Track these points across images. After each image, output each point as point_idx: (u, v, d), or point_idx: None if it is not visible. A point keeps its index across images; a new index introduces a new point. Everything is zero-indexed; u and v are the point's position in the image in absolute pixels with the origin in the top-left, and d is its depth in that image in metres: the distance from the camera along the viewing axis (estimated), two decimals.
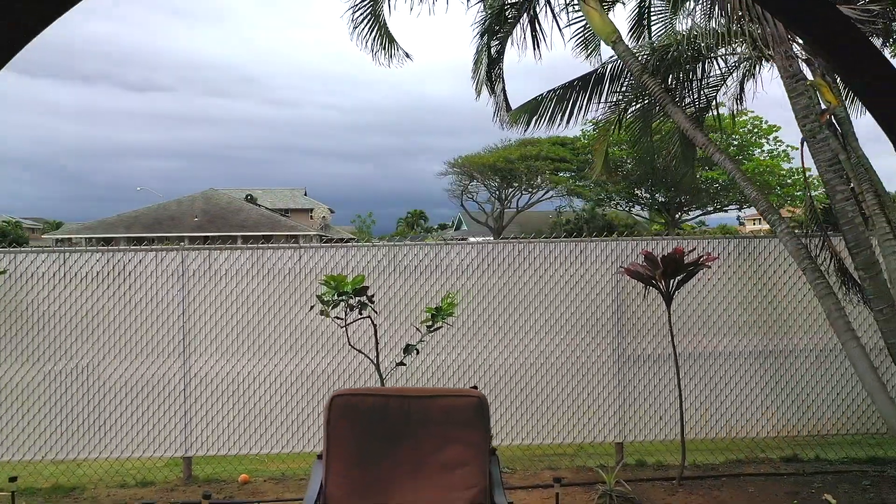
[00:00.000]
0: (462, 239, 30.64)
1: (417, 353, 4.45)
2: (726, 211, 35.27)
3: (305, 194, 52.53)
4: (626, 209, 35.51)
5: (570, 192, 38.40)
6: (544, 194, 42.03)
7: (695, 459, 5.10)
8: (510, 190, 41.64)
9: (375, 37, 5.73)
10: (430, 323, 4.34)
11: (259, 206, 41.99)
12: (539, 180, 40.15)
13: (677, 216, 32.69)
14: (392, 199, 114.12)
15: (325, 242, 7.69)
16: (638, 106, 5.61)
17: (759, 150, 29.61)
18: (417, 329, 4.48)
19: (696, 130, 5.04)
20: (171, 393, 5.00)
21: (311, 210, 48.73)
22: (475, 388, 2.79)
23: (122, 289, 5.00)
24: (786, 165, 27.40)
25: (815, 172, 4.40)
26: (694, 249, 4.57)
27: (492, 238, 33.01)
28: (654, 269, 4.45)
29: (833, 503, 4.04)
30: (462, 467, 2.49)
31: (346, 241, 11.34)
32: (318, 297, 4.34)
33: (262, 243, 5.35)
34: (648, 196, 32.09)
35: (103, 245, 6.61)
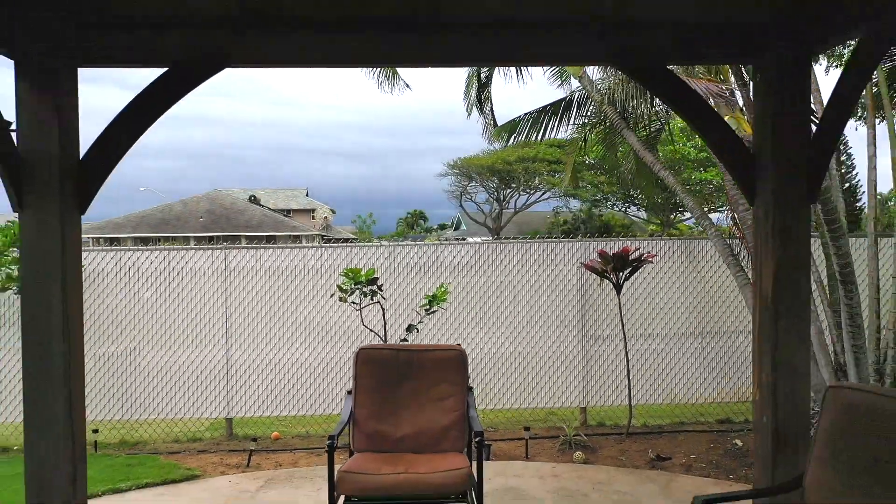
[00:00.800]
0: (462, 239, 31.72)
1: (417, 331, 5.61)
2: (721, 211, 36.45)
3: (307, 195, 53.65)
4: (623, 210, 36.63)
5: (566, 193, 39.45)
6: (542, 195, 43.00)
7: (646, 422, 6.26)
8: (508, 191, 42.57)
9: (380, 71, 6.87)
10: (427, 307, 5.52)
11: (262, 206, 43.12)
12: (536, 181, 41.09)
13: (672, 216, 33.79)
14: (392, 199, 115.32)
15: (336, 242, 8.85)
16: (600, 129, 6.76)
17: None
18: (417, 312, 5.65)
19: (646, 151, 6.20)
20: (215, 366, 6.17)
21: (314, 210, 49.84)
22: (458, 345, 3.93)
23: (175, 284, 6.17)
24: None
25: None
26: (638, 249, 5.72)
27: (490, 238, 34.18)
28: (605, 264, 5.61)
29: (739, 444, 5.20)
30: (448, 398, 3.64)
31: (361, 243, 12.51)
32: (338, 286, 5.51)
33: (273, 242, 6.51)
34: (644, 197, 33.19)
35: (112, 244, 7.70)
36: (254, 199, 44.35)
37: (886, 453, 2.28)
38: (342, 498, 3.13)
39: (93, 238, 36.66)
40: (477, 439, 3.20)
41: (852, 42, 4.17)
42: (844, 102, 3.07)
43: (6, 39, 3.01)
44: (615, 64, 3.61)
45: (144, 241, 33.17)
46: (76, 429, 3.18)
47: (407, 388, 3.66)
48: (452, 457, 3.40)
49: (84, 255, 6.09)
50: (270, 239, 33.96)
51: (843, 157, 6.80)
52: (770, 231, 3.26)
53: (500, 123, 7.72)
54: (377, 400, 3.64)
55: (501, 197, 42.48)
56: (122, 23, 3.24)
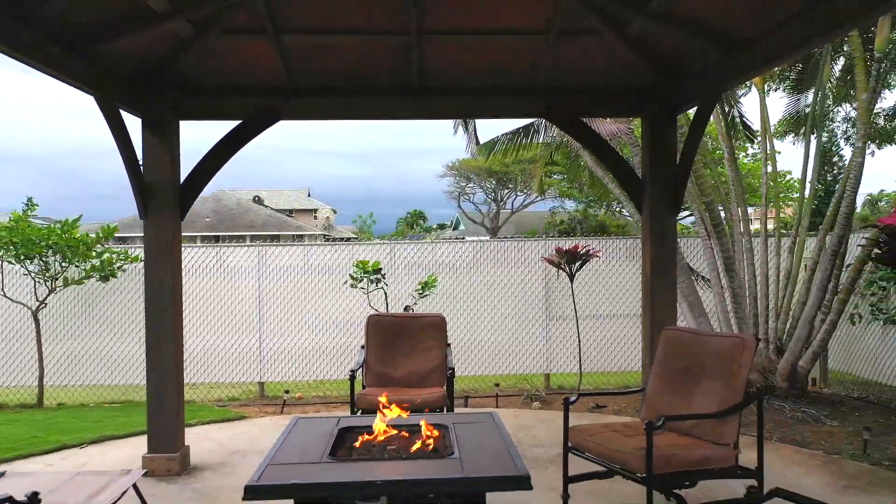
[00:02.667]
0: (461, 238, 33.28)
1: (412, 311, 7.19)
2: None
3: (309, 195, 55.24)
4: (618, 210, 38.13)
5: (562, 193, 40.90)
6: (538, 196, 44.42)
7: (597, 386, 7.83)
8: (506, 191, 43.96)
9: None
10: (421, 291, 7.11)
11: (266, 207, 44.73)
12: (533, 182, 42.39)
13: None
14: (393, 199, 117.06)
15: (343, 242, 10.43)
16: (563, 148, 8.36)
17: (744, 154, 32.31)
18: (412, 296, 7.25)
19: (597, 167, 7.78)
20: (248, 341, 7.77)
21: (316, 210, 51.38)
22: (440, 314, 5.52)
23: (224, 278, 7.75)
24: (769, 168, 30.05)
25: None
26: (587, 246, 7.29)
27: (487, 237, 35.72)
28: (561, 258, 7.19)
29: None
30: (432, 350, 5.22)
31: (370, 241, 14.04)
32: (350, 276, 7.11)
33: (277, 242, 8.12)
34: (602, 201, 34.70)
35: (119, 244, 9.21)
36: (258, 200, 45.97)
37: (689, 365, 3.86)
38: (360, 412, 4.71)
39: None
40: (449, 372, 4.80)
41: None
42: (692, 146, 4.65)
43: (137, 105, 4.60)
44: (546, 117, 5.20)
45: (120, 239, 34.66)
46: (178, 372, 4.79)
47: (403, 343, 5.25)
48: (435, 388, 4.99)
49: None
50: (274, 238, 35.53)
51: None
52: (649, 234, 4.85)
53: (482, 141, 9.32)
54: (382, 351, 5.23)
55: (499, 198, 43.96)
56: (214, 91, 4.84)
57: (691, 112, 5.29)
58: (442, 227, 62.28)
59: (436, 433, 3.11)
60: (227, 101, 4.84)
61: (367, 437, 3.13)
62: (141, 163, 4.64)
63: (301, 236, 38.13)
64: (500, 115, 5.82)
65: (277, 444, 3.06)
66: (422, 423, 3.13)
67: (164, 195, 4.69)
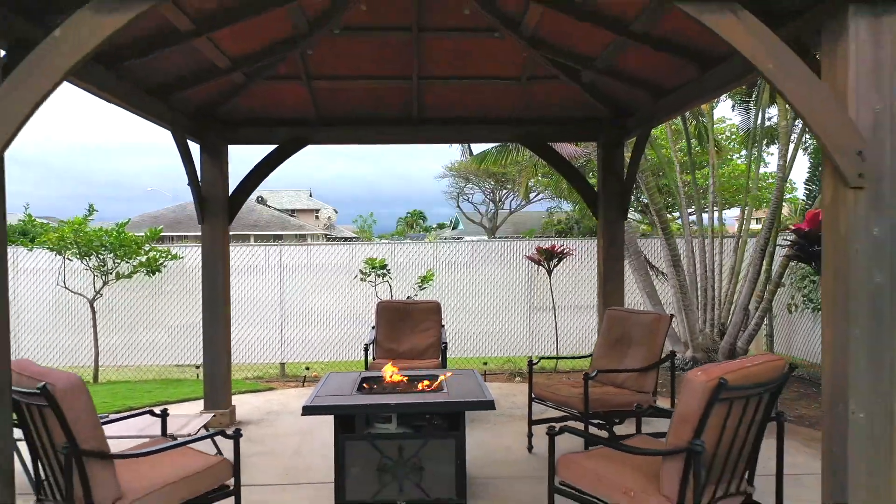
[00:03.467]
0: (457, 238, 34.44)
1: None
2: (706, 211, 39.36)
3: (310, 195, 56.48)
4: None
5: (559, 194, 42.00)
6: (535, 196, 45.57)
7: (574, 366, 9.10)
8: (504, 192, 45.07)
9: None
10: (420, 284, 8.39)
11: (269, 206, 46.01)
12: (531, 183, 43.53)
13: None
14: (393, 199, 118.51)
15: (347, 242, 11.69)
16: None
17: (737, 155, 33.56)
18: (414, 287, 8.52)
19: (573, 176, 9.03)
20: (270, 329, 9.04)
21: (317, 210, 52.57)
22: (437, 300, 6.78)
23: (251, 273, 9.02)
24: (762, 169, 31.24)
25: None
26: (563, 246, 8.56)
27: (486, 237, 36.95)
28: (540, 256, 8.47)
29: None
30: (430, 329, 6.48)
31: (377, 241, 15.27)
32: (360, 270, 8.38)
33: (281, 241, 9.40)
34: (634, 199, 35.95)
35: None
36: (261, 200, 47.25)
37: (622, 334, 5.13)
38: None
39: None
40: (443, 346, 6.07)
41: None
42: (634, 167, 5.92)
43: (197, 135, 5.87)
44: (521, 142, 6.48)
45: (160, 239, 35.85)
46: (227, 346, 6.05)
47: (406, 324, 6.52)
48: (432, 359, 6.25)
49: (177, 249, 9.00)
50: (277, 238, 36.75)
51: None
52: (603, 237, 6.13)
53: (475, 152, 10.61)
54: (388, 330, 6.50)
55: (497, 198, 45.13)
56: (255, 122, 6.11)
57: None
58: (441, 226, 63.54)
59: (431, 380, 4.39)
60: (267, 131, 6.11)
61: (381, 381, 4.41)
62: (200, 181, 5.91)
63: (304, 236, 39.33)
64: (485, 141, 7.13)
65: (319, 387, 4.33)
66: (430, 384, 4.41)
67: (217, 205, 5.97)
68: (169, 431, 4.02)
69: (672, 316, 5.09)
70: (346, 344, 9.06)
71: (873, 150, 2.69)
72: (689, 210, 8.76)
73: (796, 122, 7.51)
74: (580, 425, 4.65)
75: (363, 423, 4.03)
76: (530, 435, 5.14)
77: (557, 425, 3.46)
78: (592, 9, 4.22)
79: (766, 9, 2.84)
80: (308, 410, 3.84)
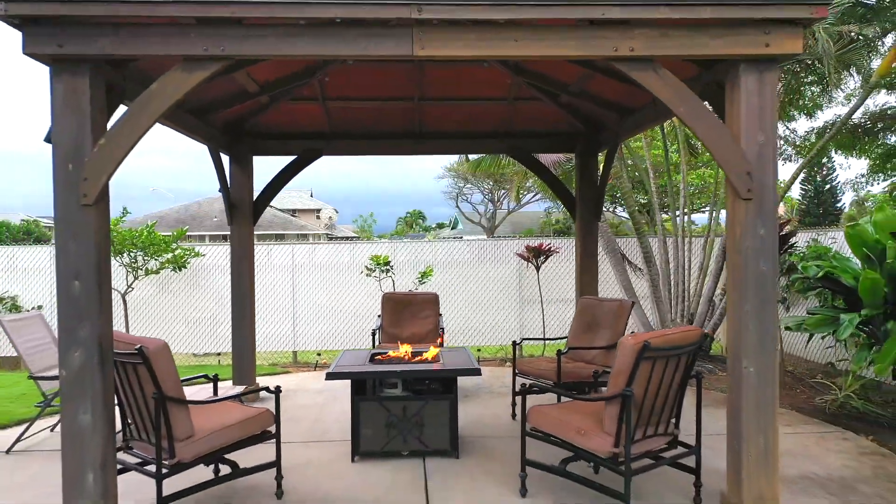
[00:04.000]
0: (456, 237, 35.34)
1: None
2: (703, 212, 40.38)
3: (311, 195, 57.39)
4: (611, 210, 40.24)
5: (552, 197, 42.88)
6: (534, 196, 46.40)
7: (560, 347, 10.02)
8: (502, 192, 45.90)
9: None
10: (420, 279, 9.33)
11: (271, 206, 46.97)
12: (529, 183, 44.40)
13: (644, 218, 37.53)
14: (392, 198, 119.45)
15: (353, 241, 12.63)
16: None
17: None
18: (415, 282, 9.45)
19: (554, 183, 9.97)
20: (283, 320, 9.97)
21: (318, 211, 53.44)
22: (435, 292, 7.71)
23: (268, 270, 9.95)
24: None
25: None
26: (550, 244, 9.49)
27: (484, 236, 37.86)
28: (529, 253, 9.40)
29: None
30: (429, 318, 7.41)
31: (382, 240, 16.18)
32: (366, 266, 9.32)
33: (283, 241, 10.33)
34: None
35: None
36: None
37: (592, 318, 6.07)
38: None
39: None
40: (440, 331, 7.00)
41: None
42: (605, 175, 6.85)
43: (227, 147, 6.81)
44: (509, 153, 7.42)
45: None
46: (252, 331, 6.99)
47: (407, 312, 7.45)
48: (431, 345, 7.18)
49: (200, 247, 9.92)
50: (280, 238, 37.63)
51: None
52: (580, 236, 7.06)
53: (471, 158, 11.55)
54: (393, 318, 7.43)
55: (496, 198, 45.99)
56: (277, 136, 7.04)
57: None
58: (441, 226, 64.47)
59: (429, 354, 5.33)
60: (287, 143, 7.04)
61: (388, 355, 5.35)
62: (229, 186, 6.85)
63: (306, 236, 40.20)
64: (477, 153, 8.07)
65: (337, 360, 5.27)
66: (428, 355, 5.35)
67: (244, 208, 6.90)
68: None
69: (633, 303, 6.02)
70: (352, 335, 10.00)
71: (758, 172, 3.62)
72: (677, 211, 9.65)
73: None
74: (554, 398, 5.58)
75: (374, 388, 4.97)
76: (514, 404, 6.07)
77: (528, 382, 4.40)
78: None
79: (692, 63, 3.77)
80: (331, 376, 4.79)
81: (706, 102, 4.07)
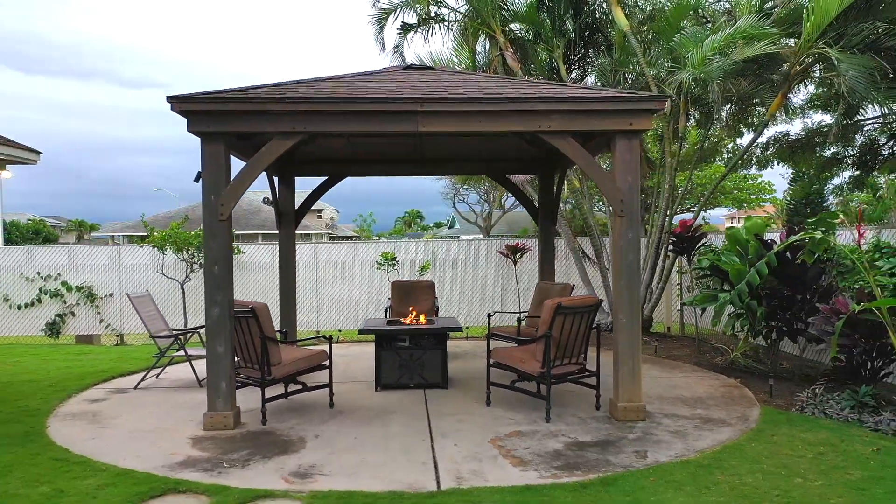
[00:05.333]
0: (452, 237, 37.46)
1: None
2: (691, 211, 42.77)
3: None
4: (604, 210, 42.56)
5: None
6: (499, 209, 48.26)
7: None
8: (497, 192, 48.05)
9: None
10: (420, 271, 11.77)
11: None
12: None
13: (646, 217, 39.98)
14: (391, 198, 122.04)
15: (363, 241, 15.03)
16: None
17: (720, 158, 36.89)
18: (415, 274, 11.89)
19: (524, 186, 12.40)
20: (309, 305, 12.38)
21: (321, 211, 55.74)
22: (432, 280, 10.10)
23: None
24: (742, 171, 34.52)
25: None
26: (525, 243, 11.90)
27: (480, 236, 40.17)
28: (508, 250, 11.83)
29: None
30: (428, 299, 9.80)
31: (388, 239, 18.64)
32: (377, 261, 11.76)
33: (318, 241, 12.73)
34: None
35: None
36: (267, 201, 50.32)
37: (545, 297, 8.47)
38: None
39: (124, 235, 42.85)
40: (436, 309, 9.42)
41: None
42: (559, 191, 9.26)
43: (278, 172, 9.22)
44: (487, 174, 9.82)
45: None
46: (294, 313, 9.38)
47: (411, 295, 9.85)
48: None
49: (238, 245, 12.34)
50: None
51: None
52: (541, 237, 9.49)
53: None
54: (399, 300, 9.83)
55: (491, 198, 48.31)
56: (314, 162, 9.45)
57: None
58: (438, 225, 66.92)
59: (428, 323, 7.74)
60: (320, 167, 9.44)
61: (399, 321, 7.77)
62: (272, 200, 9.24)
63: (309, 235, 42.48)
64: (464, 174, 10.47)
65: (364, 323, 7.68)
66: (422, 318, 7.77)
67: (288, 216, 9.30)
68: None
69: (573, 286, 8.42)
70: (364, 317, 12.40)
71: (627, 200, 6.02)
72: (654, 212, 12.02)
73: (672, 159, 10.82)
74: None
75: (390, 341, 7.38)
76: (488, 361, 8.47)
77: (491, 335, 6.83)
78: None
79: (585, 137, 6.18)
80: (363, 332, 7.23)
81: (602, 153, 6.48)
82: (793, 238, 6.64)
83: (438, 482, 4.57)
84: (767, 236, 8.27)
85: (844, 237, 8.38)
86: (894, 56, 9.01)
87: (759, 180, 34.59)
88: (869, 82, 8.19)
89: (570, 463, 4.92)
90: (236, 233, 43.15)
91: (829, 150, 15.78)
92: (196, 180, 6.05)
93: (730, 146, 18.64)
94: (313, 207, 9.96)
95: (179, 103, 5.72)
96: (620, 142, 6.02)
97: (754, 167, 17.54)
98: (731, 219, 64.71)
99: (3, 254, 12.39)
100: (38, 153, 8.26)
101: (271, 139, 5.97)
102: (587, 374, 6.53)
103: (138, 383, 7.72)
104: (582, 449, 5.26)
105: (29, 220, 53.68)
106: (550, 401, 6.17)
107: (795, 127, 17.74)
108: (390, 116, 5.91)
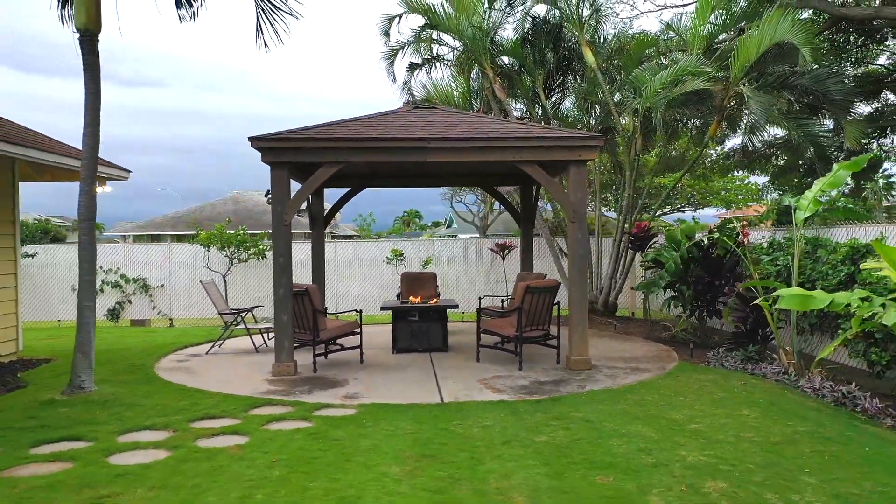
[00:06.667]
0: (450, 236, 39.75)
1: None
2: (683, 211, 45.24)
3: None
4: (598, 210, 44.88)
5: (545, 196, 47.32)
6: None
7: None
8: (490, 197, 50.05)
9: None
10: (423, 265, 14.19)
11: None
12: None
13: (639, 216, 42.38)
14: (390, 197, 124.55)
15: (367, 240, 17.45)
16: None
17: (708, 160, 39.35)
18: (421, 266, 14.31)
19: (511, 195, 14.82)
20: (329, 293, 14.79)
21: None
22: (434, 272, 12.49)
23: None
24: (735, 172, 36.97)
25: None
26: (510, 242, 14.30)
27: (477, 235, 42.52)
28: (497, 248, 14.24)
29: None
30: (431, 287, 12.20)
31: (391, 238, 21.03)
32: (387, 257, 14.19)
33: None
34: (614, 200, 41.72)
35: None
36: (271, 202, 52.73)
37: (537, 300, 10.89)
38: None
39: (134, 235, 45.14)
40: (437, 295, 11.83)
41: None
42: (536, 200, 11.66)
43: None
44: (479, 186, 12.21)
45: (181, 238, 41.33)
46: (323, 299, 11.79)
47: (417, 284, 12.24)
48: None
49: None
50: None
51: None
52: (523, 236, 11.92)
53: None
54: (407, 287, 12.21)
55: (488, 198, 50.52)
56: (340, 177, 11.85)
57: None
58: (437, 224, 69.20)
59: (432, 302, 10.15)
60: (344, 180, 11.82)
61: (410, 302, 10.17)
62: (305, 208, 11.63)
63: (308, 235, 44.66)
64: (460, 185, 12.90)
65: (384, 303, 10.08)
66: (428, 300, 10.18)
67: (319, 220, 11.69)
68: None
69: (546, 275, 10.80)
70: (375, 305, 14.79)
71: (579, 209, 8.41)
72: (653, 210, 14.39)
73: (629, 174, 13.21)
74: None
75: (404, 316, 9.78)
76: (478, 329, 10.88)
77: (482, 311, 9.26)
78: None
79: (548, 164, 8.60)
80: (383, 308, 9.63)
81: (563, 175, 8.88)
82: (699, 237, 9.07)
83: (442, 399, 6.98)
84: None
85: (780, 235, 10.79)
86: (800, 91, 11.43)
87: (747, 181, 36.99)
88: (767, 113, 10.59)
89: (532, 391, 7.33)
90: (248, 232, 45.84)
91: (782, 160, 18.28)
92: (266, 195, 8.43)
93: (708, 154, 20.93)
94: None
95: (257, 142, 8.10)
96: (573, 168, 8.42)
97: (740, 172, 19.94)
98: (722, 218, 67.41)
99: (70, 252, 14.74)
100: (129, 171, 10.57)
101: (320, 167, 8.35)
102: (552, 337, 8.93)
103: (209, 350, 10.11)
104: (542, 385, 7.67)
105: (35, 219, 55.74)
106: (522, 356, 8.59)
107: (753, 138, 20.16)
108: (406, 151, 8.31)
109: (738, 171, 20.57)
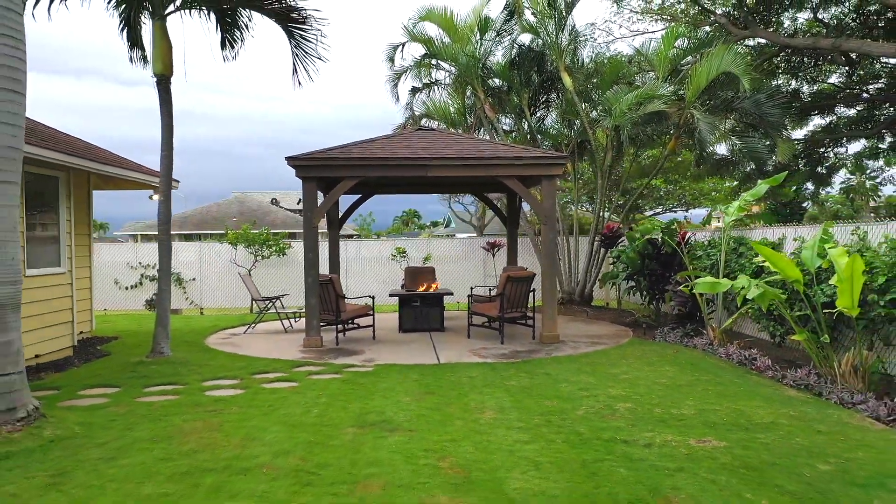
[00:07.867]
0: (451, 235, 41.88)
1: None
2: (675, 211, 47.44)
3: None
4: (588, 210, 47.01)
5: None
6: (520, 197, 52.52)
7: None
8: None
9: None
10: (424, 261, 16.35)
11: (282, 207, 53.75)
12: None
13: (632, 215, 44.53)
14: (390, 197, 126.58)
15: (387, 239, 19.59)
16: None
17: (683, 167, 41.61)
18: (421, 262, 16.46)
19: (494, 207, 16.97)
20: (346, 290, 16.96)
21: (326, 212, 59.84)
22: (433, 266, 14.62)
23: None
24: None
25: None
26: (500, 240, 16.44)
27: (474, 234, 44.55)
28: (488, 246, 16.39)
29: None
30: (432, 281, 14.34)
31: (392, 237, 23.17)
32: (391, 254, 16.35)
33: (294, 238, 17.27)
34: (608, 200, 43.83)
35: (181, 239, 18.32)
36: (275, 202, 54.82)
37: (516, 288, 13.04)
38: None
39: (141, 234, 47.23)
40: (439, 283, 13.98)
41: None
42: (520, 205, 13.81)
43: (327, 191, 13.79)
44: (471, 193, 14.35)
45: (188, 237, 43.41)
46: (340, 288, 13.94)
47: (419, 277, 14.37)
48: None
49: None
50: (291, 236, 44.26)
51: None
52: (508, 235, 14.08)
53: None
54: (410, 280, 14.33)
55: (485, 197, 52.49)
56: (353, 187, 14.02)
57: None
58: (435, 224, 71.34)
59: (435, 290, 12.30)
60: (357, 189, 13.93)
61: (413, 290, 12.33)
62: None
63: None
64: (457, 192, 15.05)
65: (391, 291, 12.23)
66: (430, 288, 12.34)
67: (335, 222, 13.83)
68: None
69: (526, 268, 12.93)
70: (381, 297, 16.94)
71: (549, 215, 10.55)
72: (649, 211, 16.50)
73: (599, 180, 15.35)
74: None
75: (408, 302, 11.92)
76: (469, 311, 13.00)
77: (473, 298, 11.42)
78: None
79: (525, 178, 10.74)
80: (391, 295, 11.79)
81: (537, 187, 11.02)
82: (648, 236, 11.25)
83: (439, 361, 9.13)
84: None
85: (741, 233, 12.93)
86: (742, 112, 13.59)
87: (735, 183, 39.15)
88: (713, 131, 12.73)
89: (510, 357, 9.48)
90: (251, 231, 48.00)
91: (748, 167, 20.43)
92: (271, 201, 10.57)
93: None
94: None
95: (292, 161, 10.23)
96: (545, 181, 10.56)
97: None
98: (718, 219, 69.65)
99: (113, 250, 16.88)
100: (177, 181, 12.67)
101: (341, 180, 10.48)
102: (529, 317, 11.08)
103: (246, 330, 12.24)
104: (518, 353, 9.81)
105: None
106: (504, 333, 10.74)
107: (720, 149, 22.31)
108: (411, 168, 10.44)
109: (708, 177, 22.69)
